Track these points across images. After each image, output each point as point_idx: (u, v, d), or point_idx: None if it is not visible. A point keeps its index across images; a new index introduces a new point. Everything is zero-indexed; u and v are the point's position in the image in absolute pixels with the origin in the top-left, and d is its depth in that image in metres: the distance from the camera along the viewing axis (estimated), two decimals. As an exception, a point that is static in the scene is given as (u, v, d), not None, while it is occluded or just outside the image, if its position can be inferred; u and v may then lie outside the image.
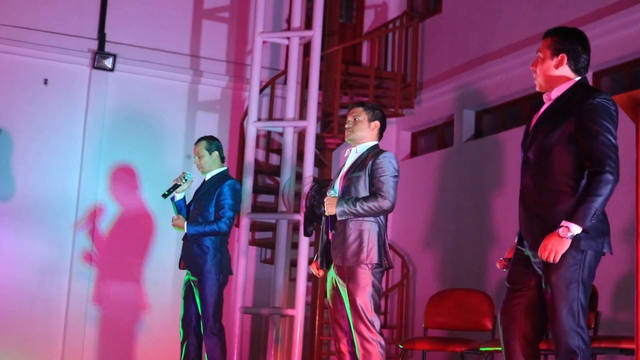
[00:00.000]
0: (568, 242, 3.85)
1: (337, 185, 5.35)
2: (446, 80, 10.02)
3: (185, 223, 6.62)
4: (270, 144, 9.75)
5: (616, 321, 7.05)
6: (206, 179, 6.83)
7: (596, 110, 3.93)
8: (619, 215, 6.86)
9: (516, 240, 4.30)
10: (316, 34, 8.21)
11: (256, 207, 9.34)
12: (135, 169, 9.55)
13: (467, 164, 9.41)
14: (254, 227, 9.29)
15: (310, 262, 8.42)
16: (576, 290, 3.91)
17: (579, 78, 4.15)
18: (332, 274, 5.32)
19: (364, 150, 5.38)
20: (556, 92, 4.14)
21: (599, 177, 3.86)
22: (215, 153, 6.82)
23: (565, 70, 4.14)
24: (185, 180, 6.71)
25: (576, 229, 3.84)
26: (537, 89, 4.28)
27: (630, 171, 5.13)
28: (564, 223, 3.85)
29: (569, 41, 4.14)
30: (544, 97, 4.23)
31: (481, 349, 6.61)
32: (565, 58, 4.13)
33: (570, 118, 3.97)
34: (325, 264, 5.38)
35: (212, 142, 6.86)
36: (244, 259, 7.98)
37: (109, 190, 9.41)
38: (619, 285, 7.10)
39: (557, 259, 3.86)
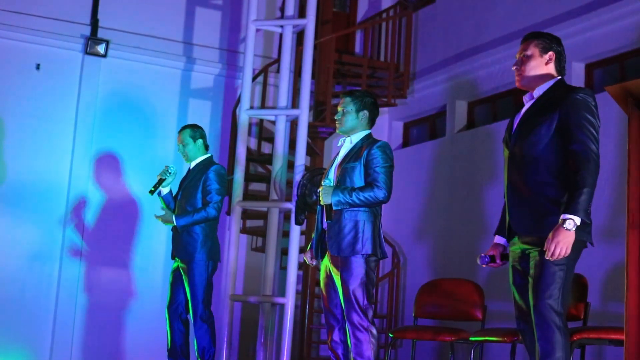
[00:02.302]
0: (573, 234, 3.95)
1: (332, 174, 5.36)
2: (439, 70, 10.02)
3: (174, 216, 6.61)
4: (263, 132, 9.74)
5: (606, 312, 7.08)
6: (191, 167, 6.85)
7: (580, 104, 4.11)
8: (609, 206, 6.88)
9: (496, 240, 4.51)
10: (310, 23, 8.19)
11: (247, 195, 9.34)
12: (126, 155, 9.53)
13: (459, 154, 9.42)
14: (245, 215, 9.30)
15: (301, 250, 8.45)
16: (557, 274, 4.05)
17: (559, 77, 4.37)
18: (326, 262, 5.33)
19: (358, 140, 5.38)
20: (539, 91, 4.35)
21: (586, 170, 4.00)
22: (200, 141, 6.83)
23: (551, 69, 4.37)
24: (170, 173, 6.70)
25: (577, 221, 3.95)
26: (518, 86, 4.46)
27: (620, 164, 5.16)
28: (565, 217, 3.94)
29: (555, 42, 4.40)
30: (525, 97, 4.43)
31: (471, 338, 6.62)
32: (554, 56, 4.37)
33: (555, 113, 4.17)
34: (320, 253, 5.40)
35: (196, 130, 6.87)
36: (234, 247, 7.98)
37: (100, 177, 9.40)
38: (609, 276, 7.12)
39: (569, 251, 3.95)
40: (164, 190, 6.78)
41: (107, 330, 9.22)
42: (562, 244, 3.93)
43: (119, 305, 9.30)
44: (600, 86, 8.01)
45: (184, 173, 7.00)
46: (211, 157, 6.89)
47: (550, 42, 4.37)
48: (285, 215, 8.35)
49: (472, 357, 6.66)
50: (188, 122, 9.27)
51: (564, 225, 3.93)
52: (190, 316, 6.62)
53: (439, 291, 7.44)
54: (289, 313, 7.69)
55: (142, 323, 9.27)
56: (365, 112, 5.41)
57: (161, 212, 6.73)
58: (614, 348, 6.25)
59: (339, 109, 5.44)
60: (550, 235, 3.97)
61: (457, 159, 9.43)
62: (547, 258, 3.97)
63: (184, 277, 6.61)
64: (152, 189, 6.66)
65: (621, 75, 7.98)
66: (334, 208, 5.19)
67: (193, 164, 6.84)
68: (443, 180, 9.61)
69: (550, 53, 4.35)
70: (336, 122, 5.45)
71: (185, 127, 6.91)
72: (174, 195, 6.86)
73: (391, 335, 7.19)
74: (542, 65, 4.35)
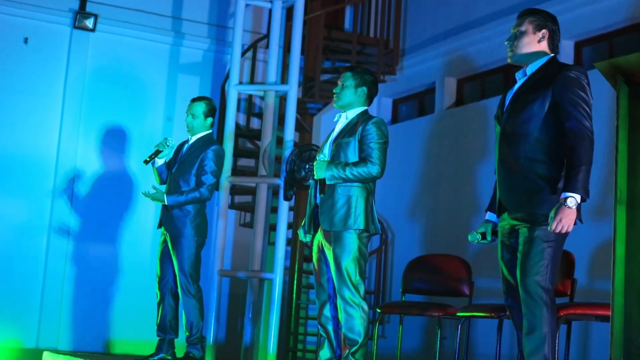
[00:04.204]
0: (575, 212, 4.01)
1: (327, 149, 5.37)
2: (428, 47, 10.00)
3: (165, 195, 6.56)
4: (252, 107, 9.73)
5: (592, 289, 7.12)
6: (191, 142, 6.79)
7: (574, 82, 4.16)
8: (597, 185, 6.91)
9: (487, 217, 4.58)
10: (299, -2, 8.16)
11: (236, 171, 9.33)
12: (115, 130, 9.50)
13: (448, 131, 9.43)
14: (234, 190, 9.29)
15: (290, 226, 8.46)
16: (546, 251, 4.13)
17: (552, 55, 4.40)
18: (319, 237, 5.35)
19: (354, 116, 5.40)
20: (531, 68, 4.38)
21: (582, 147, 4.06)
22: (210, 119, 6.78)
23: (543, 46, 4.40)
24: (168, 145, 6.67)
25: (578, 198, 4.01)
26: (509, 61, 4.49)
27: (608, 141, 5.18)
28: (566, 195, 4.00)
29: (550, 20, 4.42)
30: (518, 74, 4.46)
31: (458, 314, 6.65)
32: (547, 34, 4.39)
33: (548, 90, 4.21)
34: (313, 227, 5.41)
35: (209, 107, 6.78)
36: (223, 222, 7.98)
37: (88, 151, 9.37)
38: (596, 254, 7.16)
39: (571, 228, 4.02)
40: (159, 161, 6.75)
41: (95, 304, 9.22)
42: (564, 221, 3.99)
43: (107, 279, 9.30)
44: (589, 64, 8.02)
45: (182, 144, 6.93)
46: (211, 133, 6.86)
47: (545, 20, 4.40)
48: (274, 191, 8.35)
49: (459, 332, 6.70)
50: (177, 97, 9.28)
51: (566, 204, 3.99)
52: (179, 290, 6.62)
53: (426, 267, 7.46)
54: (277, 289, 7.71)
55: (131, 296, 9.27)
56: (364, 88, 5.42)
57: (152, 190, 6.67)
58: (600, 324, 6.30)
59: (339, 82, 5.46)
60: (552, 214, 4.02)
61: (446, 135, 9.44)
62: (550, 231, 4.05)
63: (171, 251, 6.60)
64: (147, 159, 6.63)
65: (610, 53, 7.99)
66: (327, 182, 5.22)
67: (193, 139, 6.79)
68: (432, 156, 9.62)
69: (544, 31, 4.38)
70: (334, 96, 5.46)
71: (201, 100, 6.82)
72: (167, 162, 6.81)
73: (379, 311, 7.22)
74: (534, 42, 4.38)
